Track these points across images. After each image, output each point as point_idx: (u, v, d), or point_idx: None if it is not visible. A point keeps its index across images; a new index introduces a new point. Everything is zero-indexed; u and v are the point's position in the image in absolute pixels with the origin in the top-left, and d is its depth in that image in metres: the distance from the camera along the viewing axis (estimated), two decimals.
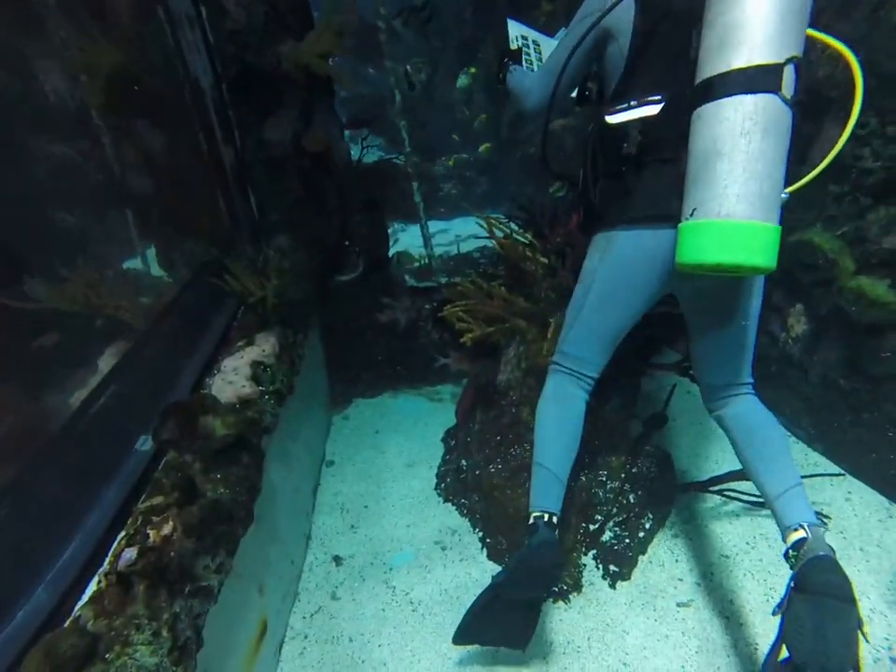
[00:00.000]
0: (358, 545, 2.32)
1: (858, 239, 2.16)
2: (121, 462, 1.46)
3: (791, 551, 1.43)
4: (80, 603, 1.17)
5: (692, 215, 1.30)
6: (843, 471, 2.36)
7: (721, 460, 2.49)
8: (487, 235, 2.16)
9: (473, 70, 5.09)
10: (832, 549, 1.37)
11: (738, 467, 2.22)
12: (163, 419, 1.42)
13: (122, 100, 2.02)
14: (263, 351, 1.98)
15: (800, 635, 1.26)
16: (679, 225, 1.35)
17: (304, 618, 2.05)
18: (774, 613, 1.38)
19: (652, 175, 1.50)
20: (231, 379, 1.82)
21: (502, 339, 2.14)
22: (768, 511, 2.25)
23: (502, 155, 4.73)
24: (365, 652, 1.91)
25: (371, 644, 1.93)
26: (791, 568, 1.41)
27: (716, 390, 1.73)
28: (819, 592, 1.29)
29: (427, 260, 3.44)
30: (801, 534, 1.42)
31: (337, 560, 2.25)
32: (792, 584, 1.36)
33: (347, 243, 2.95)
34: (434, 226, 4.33)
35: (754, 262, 1.23)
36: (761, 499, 2.18)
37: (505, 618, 1.69)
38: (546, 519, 1.64)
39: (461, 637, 1.74)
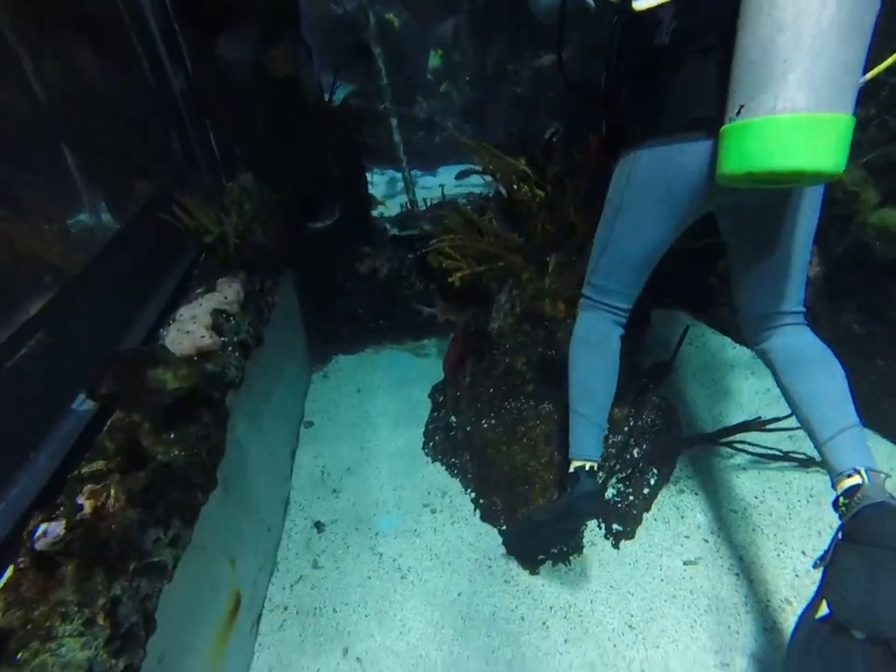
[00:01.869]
0: (341, 510, 2.15)
1: (886, 167, 1.96)
2: (52, 424, 1.24)
3: (841, 498, 1.27)
4: None
5: (738, 114, 1.08)
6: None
7: (728, 412, 2.34)
8: (476, 170, 1.93)
9: (441, 53, 4.90)
10: (893, 497, 1.22)
11: (747, 417, 2.15)
12: (100, 371, 1.20)
13: (40, 13, 1.71)
14: (225, 298, 1.74)
15: (846, 591, 1.12)
16: (722, 128, 1.13)
17: (284, 589, 1.88)
18: (815, 566, 1.24)
19: (690, 71, 1.26)
20: (189, 329, 1.59)
21: (494, 281, 1.93)
22: (778, 464, 2.14)
23: (489, 97, 4.41)
24: (350, 623, 1.76)
25: (357, 614, 1.78)
26: (841, 518, 1.26)
27: (761, 320, 1.53)
28: (874, 543, 1.14)
29: (409, 206, 3.18)
30: (855, 480, 1.26)
31: (318, 526, 2.08)
32: (840, 535, 1.21)
33: (321, 186, 2.69)
34: (415, 178, 4.06)
35: (818, 167, 1.02)
36: (771, 451, 2.09)
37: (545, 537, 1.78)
38: (587, 468, 1.58)
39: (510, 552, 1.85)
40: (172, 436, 1.28)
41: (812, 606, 1.21)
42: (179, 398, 1.32)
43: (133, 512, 1.07)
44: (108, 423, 1.31)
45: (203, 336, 1.58)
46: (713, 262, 2.42)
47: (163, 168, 2.07)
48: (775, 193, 1.29)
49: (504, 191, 1.77)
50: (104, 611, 0.95)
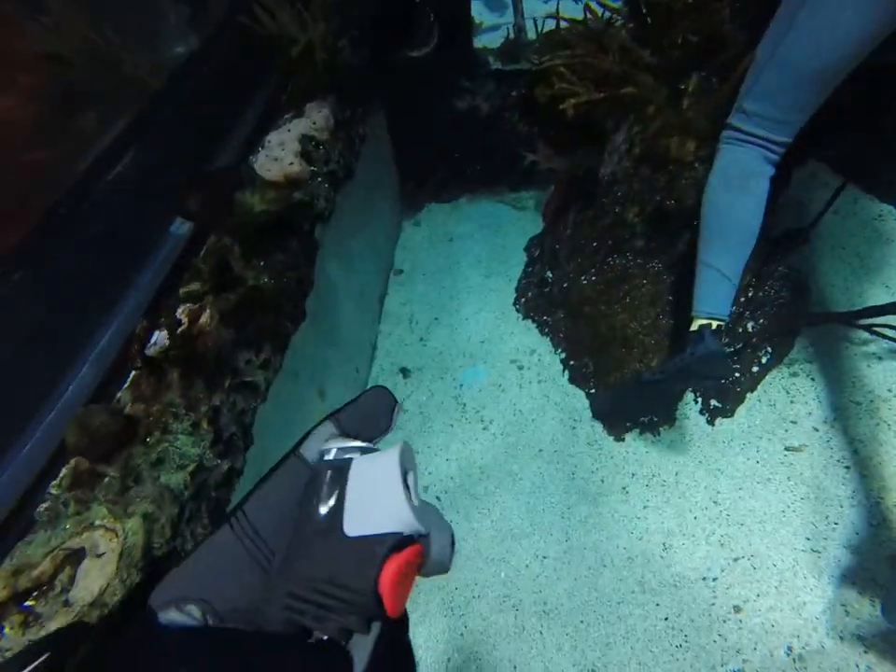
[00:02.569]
0: (427, 358, 2.15)
1: None
2: (153, 246, 1.23)
3: None
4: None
5: None
6: None
7: (870, 293, 2.01)
8: None
9: None
10: None
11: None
12: (187, 189, 1.14)
13: None
14: (314, 124, 1.61)
15: None
16: None
17: None
18: None
19: None
20: (277, 155, 1.49)
21: (611, 116, 1.64)
22: None
23: None
24: (432, 465, 1.82)
25: (439, 458, 1.84)
26: None
27: None
28: None
29: (516, 33, 2.74)
30: None
31: (404, 372, 2.10)
32: None
33: (417, 5, 2.34)
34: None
35: None
36: None
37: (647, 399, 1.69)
38: (714, 327, 1.40)
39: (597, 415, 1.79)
40: (262, 262, 1.24)
41: None
42: (267, 223, 1.26)
43: (226, 332, 1.07)
44: (204, 248, 1.29)
45: (291, 163, 1.48)
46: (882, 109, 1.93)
47: None
48: None
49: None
50: (206, 417, 0.99)
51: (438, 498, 1.74)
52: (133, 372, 1.03)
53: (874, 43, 1.11)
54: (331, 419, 0.46)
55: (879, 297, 1.96)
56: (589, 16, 1.63)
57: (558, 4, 2.04)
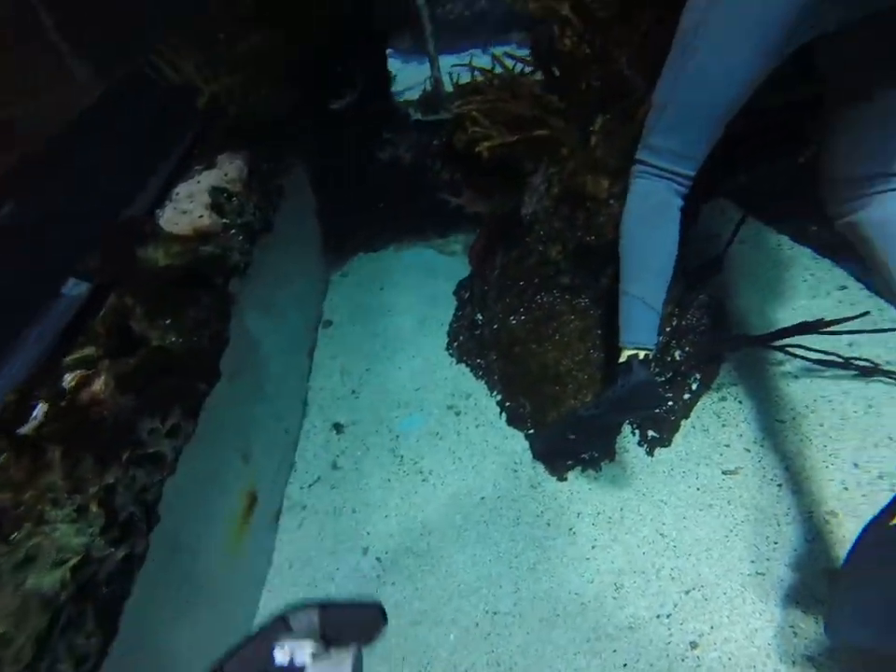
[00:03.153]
0: (361, 411, 2.06)
1: None
2: (41, 308, 1.12)
3: None
4: None
5: None
6: None
7: (780, 316, 2.12)
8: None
9: None
10: None
11: (803, 319, 1.93)
12: (85, 247, 1.05)
13: None
14: (226, 175, 1.56)
15: None
16: None
17: (302, 488, 1.84)
18: None
19: None
20: (186, 208, 1.43)
21: (529, 159, 1.69)
22: (834, 372, 1.95)
23: None
24: (370, 524, 1.72)
25: (377, 515, 1.74)
26: None
27: (857, 185, 1.30)
28: None
29: (434, 86, 2.84)
30: None
31: (337, 427, 2.01)
32: None
33: (336, 58, 2.38)
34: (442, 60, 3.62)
35: None
36: (830, 356, 1.89)
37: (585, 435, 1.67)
38: (641, 356, 1.40)
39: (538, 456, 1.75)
40: (168, 321, 1.15)
41: (887, 512, 1.08)
42: (174, 279, 1.18)
43: (125, 399, 0.96)
44: (104, 309, 1.19)
45: (201, 216, 1.42)
46: (776, 144, 2.10)
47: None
48: None
49: (545, 43, 1.48)
50: (97, 499, 0.87)
51: (378, 560, 1.63)
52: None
53: (758, 82, 1.19)
54: (318, 610, 0.48)
55: (789, 318, 2.07)
56: (499, 68, 1.70)
57: (471, 58, 2.13)
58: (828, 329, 1.81)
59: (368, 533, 1.69)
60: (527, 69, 1.61)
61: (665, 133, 1.28)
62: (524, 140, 1.54)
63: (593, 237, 1.64)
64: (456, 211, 2.48)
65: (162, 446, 1.01)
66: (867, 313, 1.79)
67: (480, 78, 1.64)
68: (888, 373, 1.84)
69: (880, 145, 1.27)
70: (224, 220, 1.49)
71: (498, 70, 1.69)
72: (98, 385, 0.95)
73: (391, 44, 4.02)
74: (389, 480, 1.83)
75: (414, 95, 2.94)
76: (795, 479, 1.67)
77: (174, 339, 1.13)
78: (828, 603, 1.36)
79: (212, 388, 1.22)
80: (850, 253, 2.29)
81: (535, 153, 1.71)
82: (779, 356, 1.96)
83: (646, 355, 1.41)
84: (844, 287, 2.19)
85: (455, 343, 2.17)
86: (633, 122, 1.43)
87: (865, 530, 1.11)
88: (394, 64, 3.12)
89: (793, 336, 1.85)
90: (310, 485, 1.85)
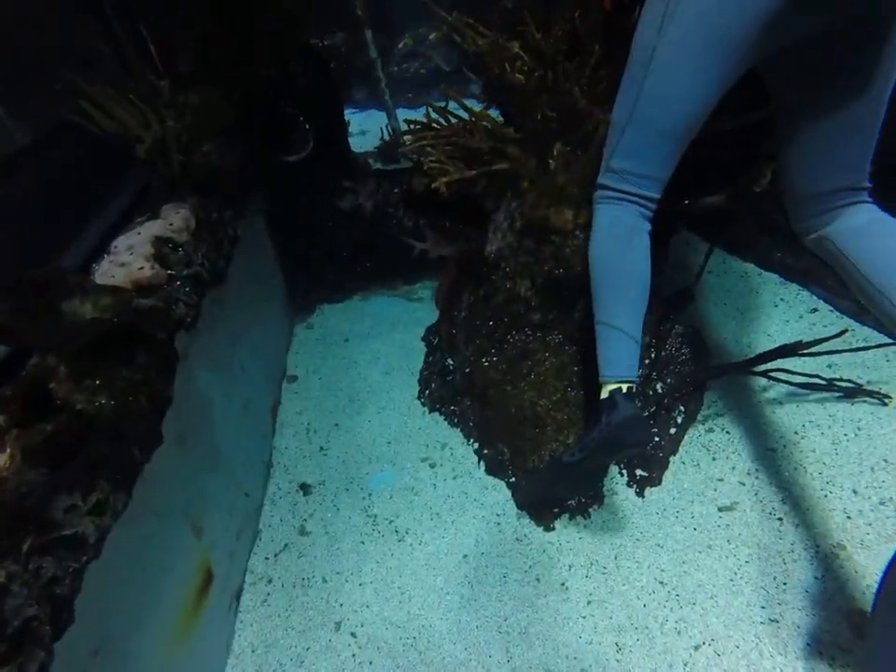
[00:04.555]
0: (330, 469, 1.92)
1: None
2: None
3: None
4: None
5: None
6: None
7: (756, 342, 2.08)
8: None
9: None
10: None
11: (782, 343, 1.88)
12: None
13: None
14: (171, 225, 1.46)
15: None
16: None
17: (267, 559, 1.67)
18: None
19: None
20: (125, 260, 1.32)
21: (489, 198, 1.65)
22: (817, 395, 1.89)
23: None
24: (343, 594, 1.55)
25: (351, 584, 1.57)
26: None
27: (822, 200, 1.29)
28: None
29: (391, 135, 2.84)
30: None
31: (305, 488, 1.85)
32: None
33: (291, 110, 2.36)
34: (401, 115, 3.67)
35: None
36: (813, 379, 1.84)
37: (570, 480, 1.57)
38: (625, 390, 1.31)
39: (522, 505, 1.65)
40: (97, 382, 1.02)
41: None
42: (106, 335, 1.06)
43: (35, 475, 0.82)
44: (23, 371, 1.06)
45: (141, 267, 1.31)
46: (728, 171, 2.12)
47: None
48: (869, 18, 1.04)
49: (494, 78, 1.46)
50: None
51: (353, 635, 1.46)
52: None
53: (717, 99, 1.19)
54: None
55: (765, 344, 2.04)
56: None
57: (427, 109, 2.12)
58: (807, 351, 1.77)
59: (341, 605, 1.52)
60: (480, 104, 1.59)
61: (627, 155, 1.25)
62: (483, 175, 1.49)
63: (561, 270, 1.59)
64: (422, 257, 2.43)
65: (83, 525, 0.86)
66: (846, 331, 1.75)
67: (434, 116, 1.61)
68: (871, 393, 1.79)
69: (841, 159, 1.26)
70: (169, 271, 1.39)
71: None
72: (1, 460, 0.82)
73: (349, 97, 4.09)
74: (363, 542, 1.67)
75: (373, 146, 2.94)
76: (795, 511, 1.58)
77: (103, 401, 1.00)
78: (861, 652, 1.24)
79: (151, 455, 1.09)
80: (816, 276, 2.34)
81: (495, 189, 1.68)
82: (761, 382, 1.90)
83: (629, 388, 1.32)
84: (815, 310, 2.18)
85: (427, 392, 2.06)
86: (591, 151, 1.41)
87: (889, 569, 1.01)
88: (352, 117, 3.15)
89: (774, 360, 1.80)
90: (276, 555, 1.67)
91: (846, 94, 1.17)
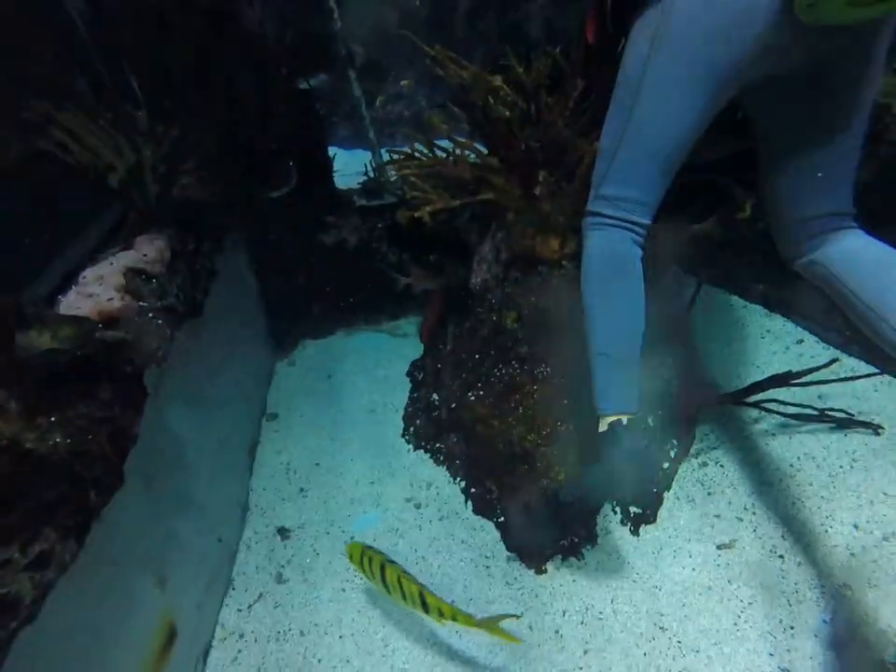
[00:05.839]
0: (310, 512, 1.82)
1: None
2: None
3: None
4: None
5: None
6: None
7: (745, 374, 2.05)
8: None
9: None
10: None
11: (773, 372, 1.85)
12: None
13: None
14: (144, 256, 1.41)
15: None
16: None
17: (240, 611, 1.55)
18: None
19: None
20: (93, 291, 1.26)
21: (475, 228, 1.63)
22: (810, 426, 1.85)
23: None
24: (321, 648, 1.44)
25: (330, 636, 1.46)
26: None
27: (809, 224, 1.29)
28: None
29: (375, 171, 2.85)
30: None
31: (283, 533, 1.75)
32: None
33: (274, 147, 2.36)
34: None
35: None
36: (806, 409, 1.80)
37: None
38: (625, 422, 1.23)
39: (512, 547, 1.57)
40: (52, 419, 0.95)
41: None
42: (66, 368, 0.99)
43: None
44: None
45: (110, 298, 1.25)
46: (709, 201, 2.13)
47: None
48: (851, 46, 1.07)
49: (478, 113, 1.46)
50: None
51: None
52: None
53: (705, 125, 1.19)
54: None
55: (754, 375, 2.01)
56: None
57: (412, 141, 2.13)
58: (798, 381, 1.74)
59: (319, 660, 1.41)
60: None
61: (617, 181, 1.24)
62: (467, 205, 1.47)
63: (548, 300, 1.56)
64: (406, 292, 2.40)
65: (18, 583, 0.77)
66: (836, 360, 1.73)
67: (418, 147, 1.60)
68: (863, 424, 1.76)
69: (825, 185, 1.27)
70: (141, 303, 1.33)
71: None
72: None
73: (335, 136, 4.13)
74: (344, 590, 1.57)
75: (358, 182, 2.94)
76: (797, 548, 1.51)
77: (58, 440, 0.92)
78: None
79: (110, 498, 1.00)
80: (801, 309, 2.34)
81: (480, 221, 1.66)
82: (753, 413, 1.86)
83: (629, 419, 1.25)
84: (801, 341, 2.17)
85: (412, 429, 1.98)
86: (576, 181, 1.40)
87: None
88: (338, 156, 3.18)
89: (765, 391, 1.77)
90: (249, 606, 1.56)
91: (828, 123, 1.19)
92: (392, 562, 1.30)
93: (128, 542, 1.11)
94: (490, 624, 1.22)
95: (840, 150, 1.21)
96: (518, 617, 1.40)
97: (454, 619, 1.22)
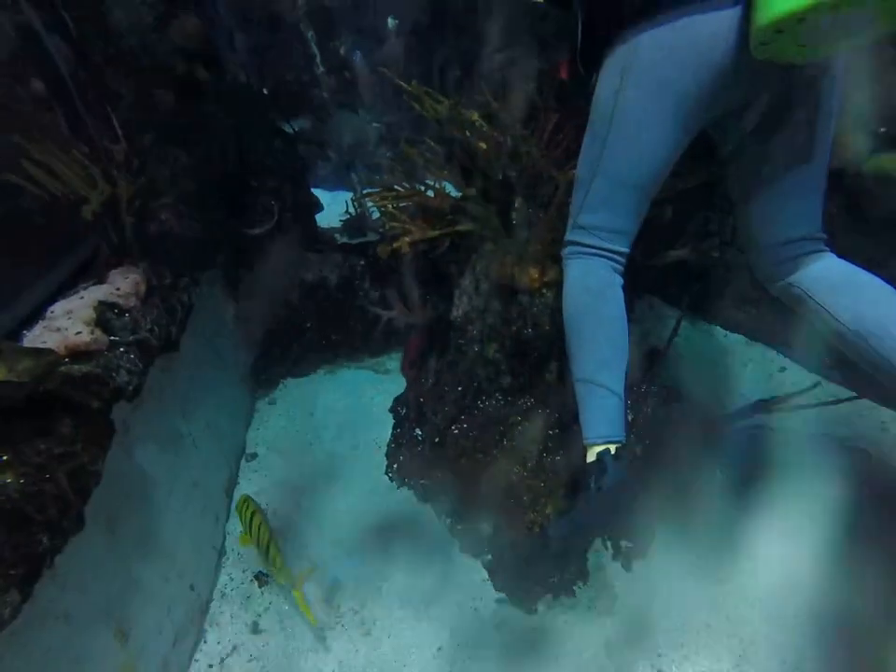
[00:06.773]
0: (289, 557, 1.73)
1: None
2: None
3: None
4: None
5: None
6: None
7: (730, 402, 2.04)
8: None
9: None
10: None
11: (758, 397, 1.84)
12: None
13: None
14: (117, 290, 1.38)
15: None
16: None
17: (211, 666, 1.45)
18: None
19: None
20: (61, 325, 1.23)
21: (454, 261, 1.63)
22: None
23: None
24: None
25: None
26: None
27: (782, 249, 1.31)
28: None
29: (357, 208, 2.87)
30: None
31: (260, 578, 1.66)
32: None
33: (255, 184, 2.38)
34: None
35: None
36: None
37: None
38: (613, 451, 1.22)
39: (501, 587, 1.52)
40: (3, 457, 0.89)
41: None
42: (21, 402, 0.94)
43: None
44: None
45: (78, 332, 1.21)
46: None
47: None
48: (806, 79, 1.12)
49: (456, 146, 1.48)
50: None
51: None
52: None
53: (676, 152, 1.23)
54: None
55: (737, 401, 2.00)
56: None
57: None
58: (782, 406, 1.73)
59: None
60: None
61: (594, 210, 1.26)
62: (446, 235, 1.48)
63: (530, 330, 1.54)
64: (389, 328, 2.38)
65: None
66: (819, 384, 1.73)
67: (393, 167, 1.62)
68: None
69: (794, 210, 1.31)
70: (112, 337, 1.29)
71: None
72: None
73: (317, 175, 4.20)
74: (325, 638, 1.48)
75: (340, 220, 2.96)
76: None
77: (8, 480, 0.87)
78: None
79: (65, 543, 0.94)
80: (781, 337, 2.35)
81: (459, 253, 1.66)
82: None
83: (617, 448, 1.23)
84: (784, 369, 2.18)
85: (395, 466, 1.92)
86: (551, 210, 1.41)
87: None
88: (319, 195, 3.22)
89: (752, 417, 1.75)
90: (222, 660, 1.46)
91: (795, 151, 1.23)
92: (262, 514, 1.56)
93: (84, 592, 1.04)
94: (297, 581, 1.45)
95: (807, 177, 1.24)
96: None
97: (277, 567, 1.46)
